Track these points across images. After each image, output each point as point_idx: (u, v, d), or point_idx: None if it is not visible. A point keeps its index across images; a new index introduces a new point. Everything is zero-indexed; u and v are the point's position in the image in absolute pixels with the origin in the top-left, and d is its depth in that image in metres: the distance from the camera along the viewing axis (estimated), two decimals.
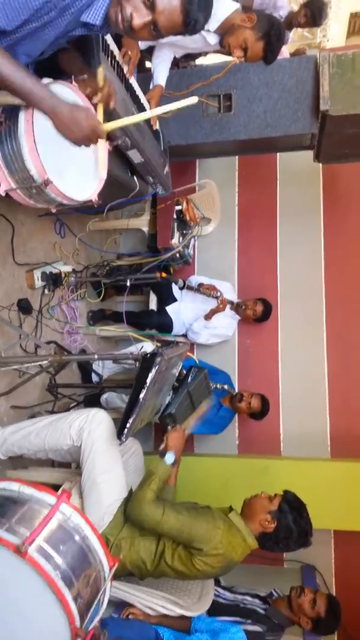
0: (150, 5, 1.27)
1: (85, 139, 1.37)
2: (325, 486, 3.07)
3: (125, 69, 2.03)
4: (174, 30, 1.34)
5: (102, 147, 1.61)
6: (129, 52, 2.02)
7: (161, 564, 1.87)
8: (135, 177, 2.50)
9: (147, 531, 1.90)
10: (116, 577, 1.88)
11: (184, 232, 3.47)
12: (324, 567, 3.33)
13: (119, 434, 1.89)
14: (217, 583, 2.47)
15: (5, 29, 1.21)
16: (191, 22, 1.31)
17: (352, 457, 3.38)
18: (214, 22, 2.08)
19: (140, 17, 1.28)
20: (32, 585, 1.19)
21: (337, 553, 3.40)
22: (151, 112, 1.85)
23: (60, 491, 1.40)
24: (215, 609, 2.19)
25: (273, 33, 2.05)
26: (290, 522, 1.90)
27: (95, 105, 1.53)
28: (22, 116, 1.34)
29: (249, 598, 2.39)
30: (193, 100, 1.49)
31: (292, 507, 1.93)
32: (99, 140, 1.49)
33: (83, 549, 1.35)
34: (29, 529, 1.25)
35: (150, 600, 1.91)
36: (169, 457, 1.99)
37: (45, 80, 1.42)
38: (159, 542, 1.89)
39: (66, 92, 1.52)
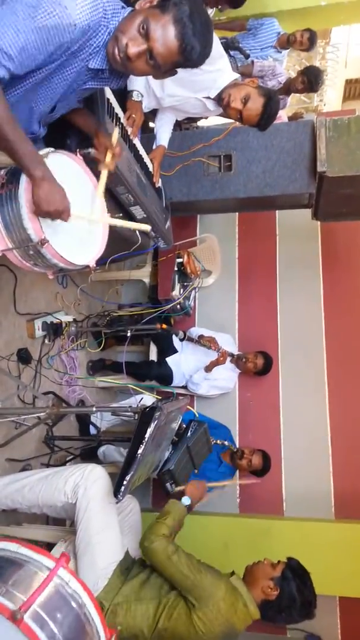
0: (145, 34, 1.28)
1: (50, 215, 1.37)
2: (330, 549, 2.96)
3: (130, 131, 2.12)
4: (171, 59, 1.32)
5: (104, 220, 1.66)
6: (133, 115, 2.11)
7: (158, 627, 1.77)
8: (137, 232, 2.55)
9: (144, 594, 1.82)
10: None
11: (185, 284, 3.52)
12: (329, 636, 3.14)
13: (116, 492, 1.83)
14: None
15: (16, 73, 1.22)
16: (187, 48, 1.29)
17: (358, 518, 3.26)
18: (213, 90, 2.17)
19: (135, 45, 1.28)
20: None
21: (344, 621, 3.21)
22: (107, 220, 1.73)
23: (59, 555, 1.34)
24: None
25: (272, 102, 2.12)
26: (293, 590, 1.83)
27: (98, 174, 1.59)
28: (24, 177, 1.37)
29: None
30: (146, 227, 1.64)
31: (296, 574, 1.87)
32: (102, 214, 1.52)
33: (80, 617, 1.29)
34: (25, 593, 1.20)
35: None
36: (186, 500, 1.99)
37: (47, 150, 1.46)
38: (158, 606, 1.79)
39: (67, 162, 1.57)
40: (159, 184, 2.59)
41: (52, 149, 1.48)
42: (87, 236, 1.63)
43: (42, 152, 1.43)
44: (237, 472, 3.33)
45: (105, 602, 1.79)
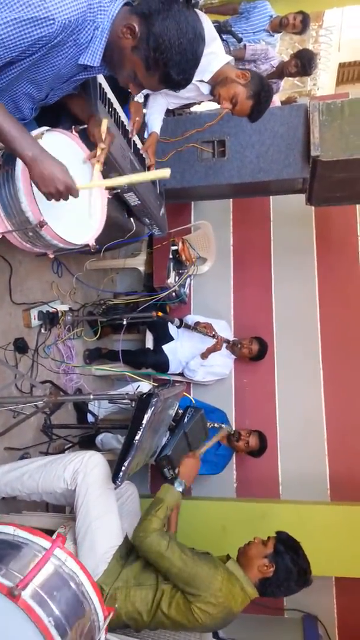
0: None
1: (56, 195, 1.35)
2: (326, 531, 3.00)
3: (130, 128, 2.15)
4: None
5: (101, 195, 1.65)
6: (137, 118, 2.15)
7: (158, 614, 1.79)
8: (132, 219, 2.55)
9: (144, 579, 1.84)
10: (111, 629, 1.81)
11: (180, 271, 3.52)
12: (326, 617, 3.21)
13: (114, 478, 1.85)
14: (216, 635, 2.37)
15: None
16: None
17: (353, 500, 3.31)
18: (207, 73, 2.16)
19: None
20: (23, 632, 1.14)
21: (340, 601, 3.28)
22: (126, 179, 1.72)
23: (55, 535, 1.36)
24: None
25: (263, 95, 2.12)
26: (288, 563, 1.86)
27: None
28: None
29: None
30: (166, 173, 1.47)
31: (287, 546, 1.90)
32: (98, 187, 1.51)
33: (78, 596, 1.30)
34: (22, 573, 1.21)
35: None
36: (179, 485, 1.97)
37: (42, 128, 1.45)
38: (156, 591, 1.81)
39: (63, 140, 1.57)
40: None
41: (46, 127, 1.46)
42: (86, 216, 1.63)
43: (37, 131, 1.42)
44: (234, 456, 3.37)
45: (105, 587, 1.82)
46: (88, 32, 1.29)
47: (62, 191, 1.34)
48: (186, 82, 1.37)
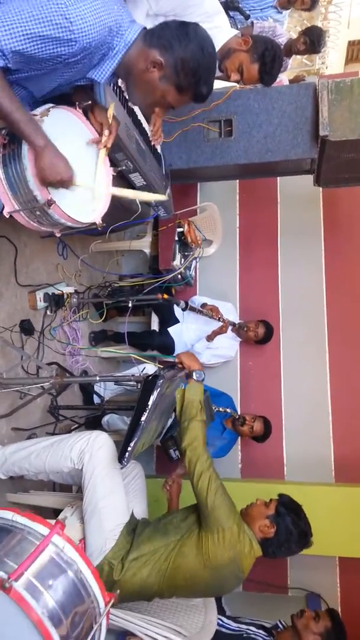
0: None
1: (54, 184, 1.39)
2: (330, 512, 3.02)
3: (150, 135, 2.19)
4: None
5: (106, 172, 1.64)
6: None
7: (170, 568, 1.83)
8: (137, 200, 2.52)
9: (155, 545, 1.88)
10: (126, 601, 1.86)
11: (186, 253, 3.49)
12: (329, 595, 3.25)
13: (120, 457, 1.87)
14: (221, 612, 2.41)
15: (8, 67, 1.24)
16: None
17: (357, 481, 3.33)
18: None
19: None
20: (16, 624, 1.13)
21: (343, 580, 3.32)
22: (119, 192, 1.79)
23: (54, 522, 1.34)
24: (219, 639, 2.13)
25: (268, 55, 2.08)
26: (289, 525, 1.90)
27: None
28: None
29: (253, 628, 2.33)
30: (163, 197, 1.62)
31: (289, 509, 1.94)
32: (103, 163, 1.51)
33: (75, 584, 1.29)
34: (17, 562, 1.19)
35: (152, 630, 1.86)
36: (198, 375, 1.99)
37: (47, 105, 1.44)
38: (167, 549, 1.86)
39: (69, 117, 1.55)
40: (159, 150, 2.55)
41: (52, 104, 1.46)
42: (92, 194, 1.62)
43: (43, 108, 1.42)
44: (239, 438, 3.39)
45: (114, 562, 1.85)
46: (102, 50, 1.34)
47: (60, 184, 1.40)
48: (210, 92, 1.45)
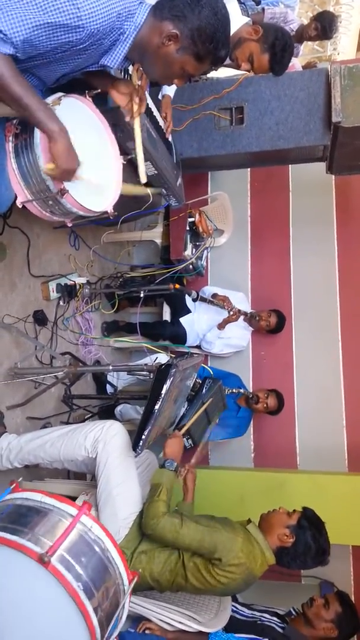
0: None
1: (64, 173, 1.38)
2: (343, 501, 3.01)
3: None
4: None
5: (116, 161, 1.64)
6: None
7: (179, 577, 1.84)
8: (148, 190, 2.52)
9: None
10: (136, 590, 1.86)
11: (197, 243, 3.48)
12: (342, 584, 3.25)
13: (134, 446, 1.89)
14: (235, 599, 2.43)
15: (17, 56, 1.24)
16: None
17: None
18: None
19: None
20: (54, 596, 1.19)
21: (356, 569, 3.33)
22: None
23: (81, 503, 1.39)
24: (233, 625, 2.15)
25: (278, 44, 2.06)
26: (309, 539, 1.88)
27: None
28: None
29: (267, 615, 2.34)
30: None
31: (311, 523, 1.91)
32: (114, 154, 1.51)
33: (103, 560, 1.34)
34: (51, 539, 1.25)
35: (167, 616, 1.88)
36: (170, 464, 1.99)
37: (58, 94, 1.44)
38: (179, 554, 1.86)
39: (79, 105, 1.54)
40: (170, 138, 2.53)
41: (62, 93, 1.46)
42: (103, 183, 1.62)
43: (54, 97, 1.42)
44: (252, 425, 3.40)
45: (127, 551, 1.87)
46: (113, 36, 1.33)
47: (66, 176, 1.38)
48: (228, 53, 1.44)
